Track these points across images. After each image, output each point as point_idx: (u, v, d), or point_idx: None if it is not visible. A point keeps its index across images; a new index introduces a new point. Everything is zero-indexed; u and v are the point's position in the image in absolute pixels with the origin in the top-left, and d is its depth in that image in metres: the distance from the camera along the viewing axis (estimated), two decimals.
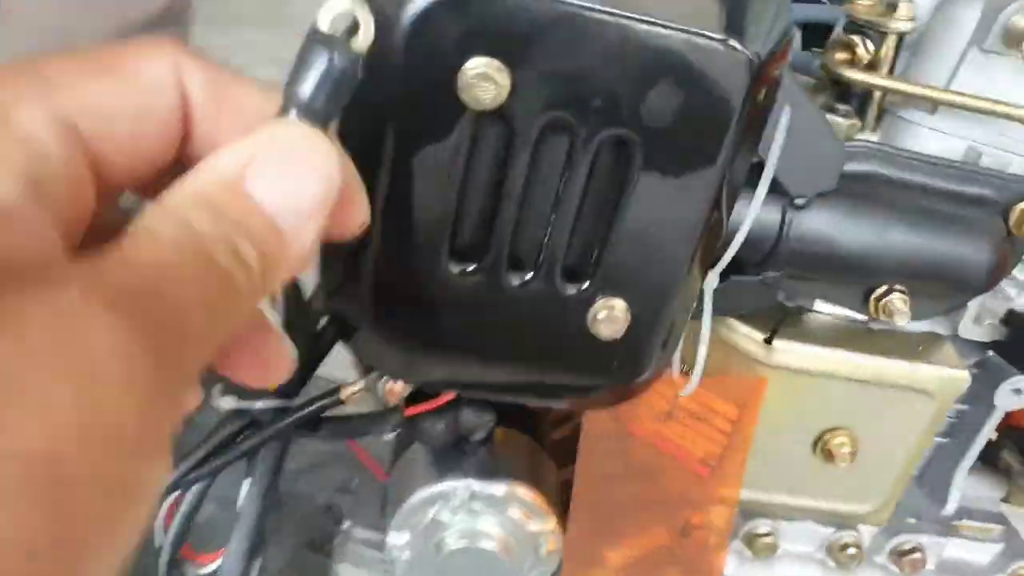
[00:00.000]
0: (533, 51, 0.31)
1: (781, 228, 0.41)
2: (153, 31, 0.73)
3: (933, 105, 0.47)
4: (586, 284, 0.36)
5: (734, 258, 0.41)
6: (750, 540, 0.54)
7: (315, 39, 0.23)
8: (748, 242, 0.40)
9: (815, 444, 0.49)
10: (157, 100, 0.23)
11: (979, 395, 0.52)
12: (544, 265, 0.36)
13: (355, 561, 0.60)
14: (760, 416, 0.48)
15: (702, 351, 0.43)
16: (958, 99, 0.45)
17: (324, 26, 0.24)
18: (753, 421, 0.47)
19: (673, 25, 0.31)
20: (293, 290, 0.53)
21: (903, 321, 0.45)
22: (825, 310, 0.49)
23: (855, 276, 0.44)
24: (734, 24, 0.33)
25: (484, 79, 0.31)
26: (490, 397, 0.46)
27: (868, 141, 0.44)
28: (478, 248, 0.36)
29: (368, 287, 0.37)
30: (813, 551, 0.56)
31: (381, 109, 0.32)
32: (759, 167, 0.38)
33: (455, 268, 0.36)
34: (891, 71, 0.48)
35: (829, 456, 0.49)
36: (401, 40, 0.31)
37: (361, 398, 0.53)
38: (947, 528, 0.58)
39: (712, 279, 0.41)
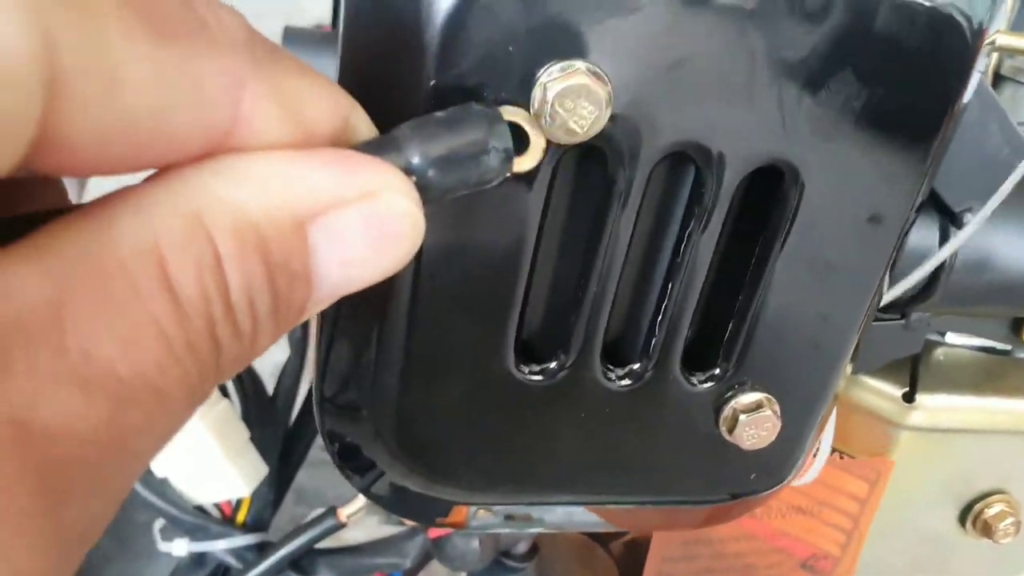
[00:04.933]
0: (645, 45, 0.20)
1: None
2: None
3: None
4: (719, 374, 0.26)
5: None
6: None
7: (487, 113, 0.18)
8: (899, 276, 0.30)
9: (964, 516, 0.40)
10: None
11: None
12: (657, 355, 0.25)
13: None
14: (893, 490, 0.38)
15: (828, 431, 0.33)
16: None
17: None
18: (875, 507, 0.38)
19: None
20: (251, 382, 0.42)
21: None
22: (957, 341, 0.40)
23: None
24: None
25: (576, 95, 0.20)
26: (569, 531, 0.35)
27: None
28: (557, 339, 0.25)
29: (392, 398, 0.26)
30: None
31: None
32: None
33: (525, 370, 0.25)
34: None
35: (987, 530, 0.39)
36: (433, 49, 0.20)
37: (365, 515, 0.42)
38: None
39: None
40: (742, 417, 0.26)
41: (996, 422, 0.37)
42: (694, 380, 0.26)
